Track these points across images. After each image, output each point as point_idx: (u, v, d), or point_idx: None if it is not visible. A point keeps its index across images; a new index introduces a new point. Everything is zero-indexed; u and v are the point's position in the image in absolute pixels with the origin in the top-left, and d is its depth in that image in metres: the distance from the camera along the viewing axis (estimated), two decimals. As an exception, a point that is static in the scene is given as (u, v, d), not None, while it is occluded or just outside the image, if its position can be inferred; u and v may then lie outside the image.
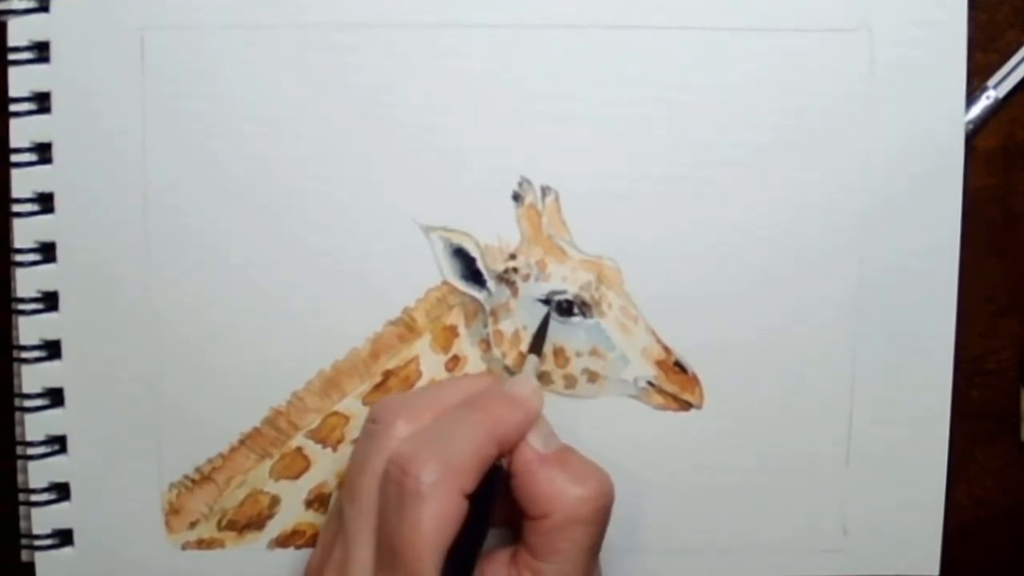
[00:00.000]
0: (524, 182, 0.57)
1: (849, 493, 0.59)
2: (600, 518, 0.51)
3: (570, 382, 0.58)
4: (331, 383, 0.58)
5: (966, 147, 0.57)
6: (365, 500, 0.50)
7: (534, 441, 0.52)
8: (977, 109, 0.57)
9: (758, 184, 0.57)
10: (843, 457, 0.58)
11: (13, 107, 0.56)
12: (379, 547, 0.49)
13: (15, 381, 0.58)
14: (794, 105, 0.57)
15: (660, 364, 0.57)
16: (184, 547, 0.59)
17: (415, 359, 0.58)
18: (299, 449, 0.58)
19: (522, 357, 0.57)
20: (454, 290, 0.57)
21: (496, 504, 0.51)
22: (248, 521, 0.59)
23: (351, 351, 0.58)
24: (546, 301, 0.57)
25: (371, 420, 0.52)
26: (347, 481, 0.52)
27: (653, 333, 0.57)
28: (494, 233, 0.57)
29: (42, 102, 0.56)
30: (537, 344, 0.57)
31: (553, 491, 0.51)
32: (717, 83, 0.56)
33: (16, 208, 0.57)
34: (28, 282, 0.57)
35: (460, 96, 0.56)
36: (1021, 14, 0.58)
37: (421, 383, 0.58)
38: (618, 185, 0.57)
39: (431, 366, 0.58)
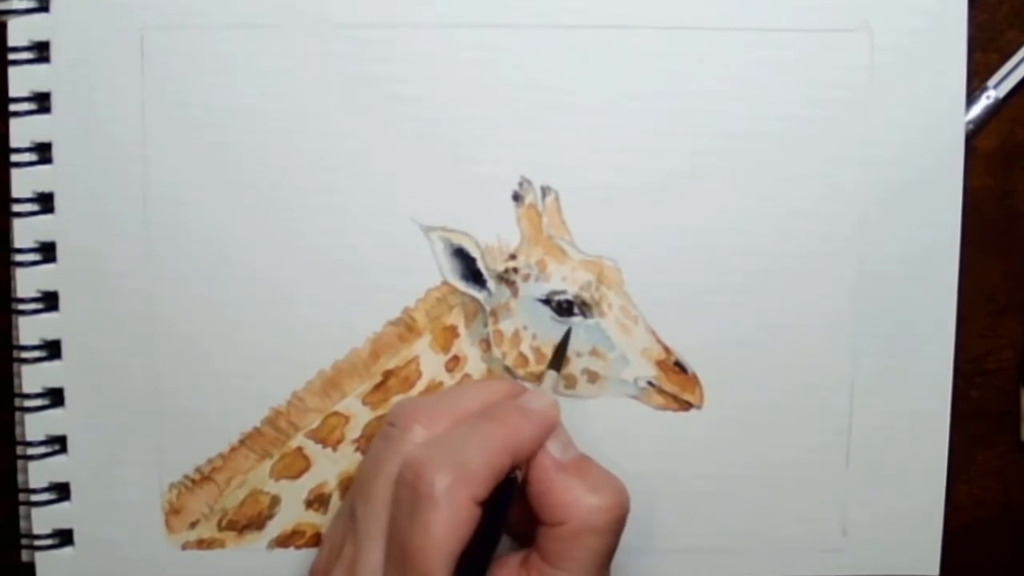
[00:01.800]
0: (524, 182, 0.57)
1: (849, 493, 0.59)
2: (615, 528, 0.52)
3: (570, 382, 0.58)
4: (331, 383, 0.58)
5: (966, 147, 0.57)
6: (379, 501, 0.50)
7: (552, 448, 0.52)
8: (977, 109, 0.57)
9: (758, 184, 0.57)
10: (843, 457, 0.58)
11: (13, 107, 0.56)
12: (390, 549, 0.49)
13: (15, 381, 0.58)
14: (794, 105, 0.57)
15: (660, 364, 0.57)
16: (184, 547, 0.59)
17: (415, 359, 0.58)
18: (299, 449, 0.58)
19: (522, 358, 0.57)
20: (454, 290, 0.57)
21: (508, 514, 0.51)
22: (248, 521, 0.59)
23: (351, 351, 0.58)
24: (546, 301, 0.57)
25: (389, 423, 0.52)
26: (361, 481, 0.52)
27: (653, 333, 0.57)
28: (494, 233, 0.57)
29: (42, 102, 0.56)
30: (557, 360, 0.57)
31: (570, 499, 0.51)
32: (717, 83, 0.56)
33: (16, 208, 0.56)
34: (28, 282, 0.57)
35: (460, 96, 0.56)
36: (1021, 14, 0.58)
37: (421, 383, 0.58)
38: (618, 185, 0.57)
39: (431, 366, 0.58)
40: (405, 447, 0.51)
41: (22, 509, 0.58)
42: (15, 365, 0.58)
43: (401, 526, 0.49)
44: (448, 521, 0.48)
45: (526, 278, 0.57)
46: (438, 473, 0.48)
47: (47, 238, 0.57)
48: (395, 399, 0.58)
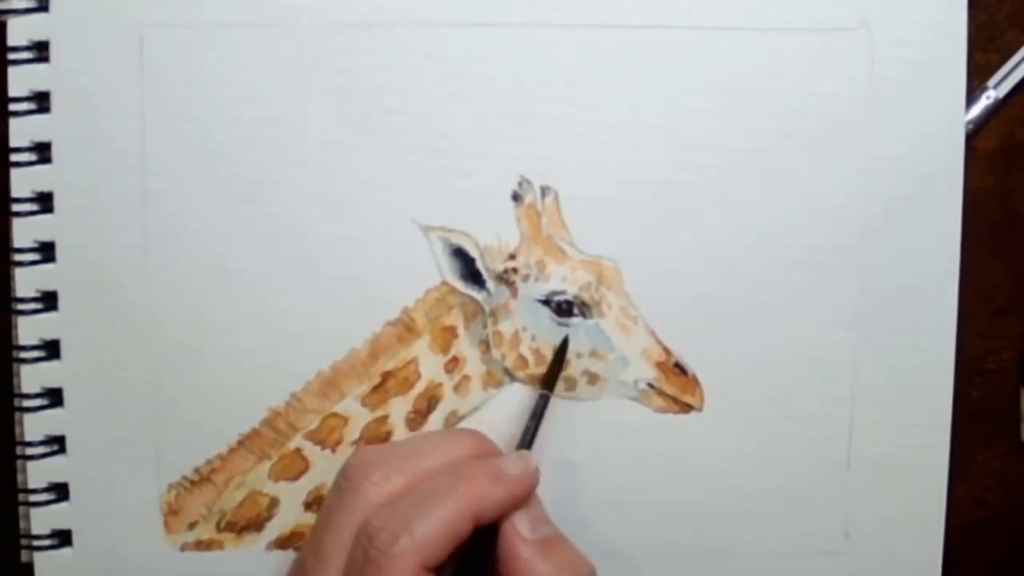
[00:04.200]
0: (524, 182, 0.57)
1: (850, 495, 0.58)
2: None
3: (570, 384, 0.57)
4: (330, 384, 0.58)
5: (966, 147, 0.57)
6: (327, 558, 0.49)
7: (520, 525, 0.50)
8: (977, 109, 0.57)
9: (758, 184, 0.57)
10: (844, 459, 0.58)
11: (13, 106, 0.56)
12: None
13: (14, 381, 0.58)
14: (794, 105, 0.56)
15: (660, 365, 0.57)
16: (183, 548, 0.59)
17: (414, 360, 0.58)
18: (298, 450, 0.58)
19: (522, 359, 0.57)
20: (453, 290, 0.57)
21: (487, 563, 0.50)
22: (247, 523, 0.58)
23: (350, 352, 0.57)
24: (546, 302, 0.57)
25: (343, 474, 0.51)
26: (313, 534, 0.51)
27: (653, 334, 0.57)
28: (493, 233, 0.57)
29: (42, 102, 0.56)
30: (551, 379, 0.56)
31: None
32: (717, 83, 0.56)
33: (16, 208, 0.57)
34: (27, 282, 0.57)
35: (460, 95, 0.56)
36: (1021, 14, 0.57)
37: (420, 385, 0.58)
38: (618, 185, 0.57)
39: (430, 367, 0.58)
40: (356, 503, 0.49)
41: (21, 509, 0.58)
42: (14, 365, 0.58)
43: None
44: None
45: (525, 278, 0.57)
46: (391, 538, 0.47)
47: (46, 238, 0.57)
48: (394, 400, 0.58)
